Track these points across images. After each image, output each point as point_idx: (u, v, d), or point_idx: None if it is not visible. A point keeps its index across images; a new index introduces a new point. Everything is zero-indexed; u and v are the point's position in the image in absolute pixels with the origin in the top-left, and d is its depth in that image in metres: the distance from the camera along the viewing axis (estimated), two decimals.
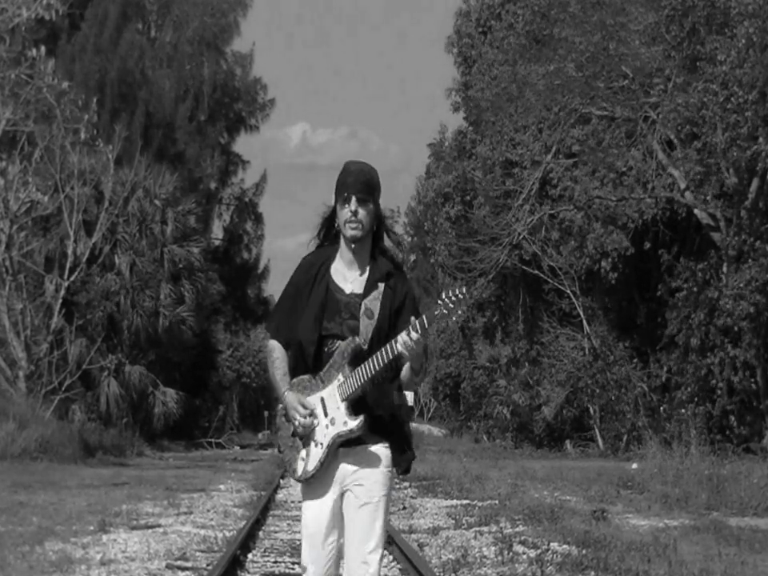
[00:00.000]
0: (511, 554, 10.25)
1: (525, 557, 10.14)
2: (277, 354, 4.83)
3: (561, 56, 29.38)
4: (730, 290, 26.58)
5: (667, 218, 30.29)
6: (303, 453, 4.73)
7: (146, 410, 33.56)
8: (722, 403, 27.68)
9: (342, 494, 4.76)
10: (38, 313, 29.42)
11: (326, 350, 4.72)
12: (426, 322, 4.44)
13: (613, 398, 31.09)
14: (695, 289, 28.00)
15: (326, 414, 4.67)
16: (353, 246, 4.76)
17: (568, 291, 33.77)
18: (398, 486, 18.87)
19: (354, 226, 4.72)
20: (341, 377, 4.65)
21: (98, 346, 31.06)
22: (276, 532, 12.61)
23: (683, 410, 27.01)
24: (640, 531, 12.20)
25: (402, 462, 4.81)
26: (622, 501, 15.89)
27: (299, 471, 4.75)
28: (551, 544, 10.86)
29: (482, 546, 11.01)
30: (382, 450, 4.75)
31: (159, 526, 12.55)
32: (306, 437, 4.72)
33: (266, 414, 61.36)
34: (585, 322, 33.67)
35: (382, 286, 4.75)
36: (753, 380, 27.49)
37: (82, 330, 31.34)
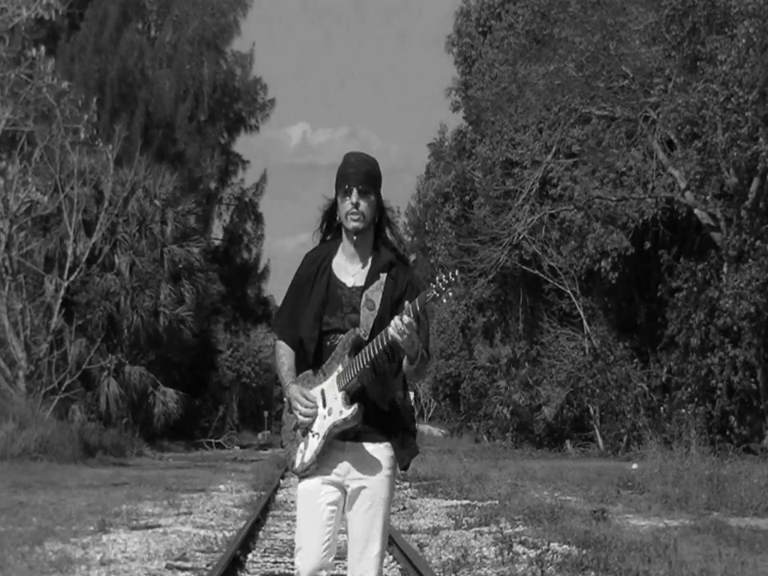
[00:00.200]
0: (511, 554, 10.24)
1: (525, 557, 10.13)
2: (282, 352, 4.83)
3: (561, 56, 29.37)
4: (731, 289, 26.58)
5: (667, 217, 30.28)
6: (302, 445, 4.72)
7: (145, 410, 33.56)
8: (722, 403, 27.68)
9: (342, 490, 4.73)
10: (38, 313, 29.43)
11: (328, 344, 4.70)
12: (417, 305, 4.41)
13: (613, 398, 31.09)
14: (695, 289, 28.00)
15: (324, 405, 4.67)
16: (355, 238, 4.73)
17: (568, 291, 33.77)
18: (397, 486, 18.86)
19: (355, 218, 4.69)
20: (340, 367, 4.64)
21: (97, 346, 31.07)
22: (276, 532, 12.60)
23: (683, 410, 27.00)
24: (640, 531, 12.19)
25: (405, 456, 4.77)
26: (622, 501, 15.89)
27: (297, 463, 4.74)
28: (551, 544, 10.85)
29: (482, 546, 10.99)
30: (384, 450, 4.71)
31: (159, 526, 12.54)
32: (306, 429, 4.71)
33: (265, 414, 61.41)
34: (585, 322, 33.67)
35: (383, 276, 4.73)
36: (753, 380, 27.49)
37: (82, 330, 31.34)
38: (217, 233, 51.25)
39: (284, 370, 4.79)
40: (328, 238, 4.86)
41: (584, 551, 10.28)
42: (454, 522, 13.33)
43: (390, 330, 4.45)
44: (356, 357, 4.58)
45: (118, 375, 32.25)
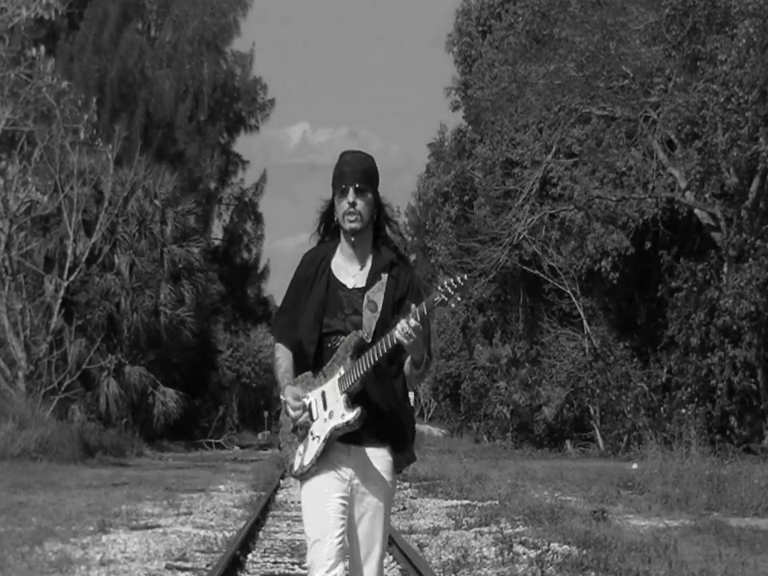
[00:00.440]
0: (511, 554, 10.23)
1: (525, 557, 10.12)
2: (279, 354, 4.77)
3: (561, 56, 29.37)
4: (731, 289, 26.58)
5: (667, 217, 30.28)
6: (300, 448, 4.66)
7: (145, 410, 33.54)
8: (722, 403, 27.68)
9: (345, 491, 4.66)
10: (38, 313, 29.42)
11: (329, 346, 4.64)
12: (425, 309, 4.34)
13: (613, 398, 31.08)
14: (695, 289, 28.00)
15: (325, 408, 4.60)
16: (353, 239, 4.66)
17: (568, 291, 33.77)
18: (398, 487, 18.83)
19: (352, 218, 4.61)
20: (342, 370, 4.57)
21: (97, 346, 31.06)
22: (276, 532, 12.58)
23: (683, 410, 27.01)
24: (640, 531, 12.18)
25: (402, 462, 4.74)
26: (623, 501, 15.88)
27: (296, 466, 4.67)
28: (551, 544, 10.84)
29: (482, 546, 10.99)
30: (385, 456, 4.67)
31: (159, 526, 12.53)
32: (305, 432, 4.66)
33: (265, 414, 61.32)
34: (585, 322, 33.67)
35: (384, 276, 4.66)
36: (753, 380, 27.49)
37: (82, 330, 31.32)
38: (217, 233, 51.30)
39: (281, 372, 4.73)
40: (326, 239, 4.79)
41: (584, 551, 10.28)
42: (454, 522, 13.32)
43: (396, 333, 4.38)
44: (359, 360, 4.51)
45: (117, 375, 32.24)
